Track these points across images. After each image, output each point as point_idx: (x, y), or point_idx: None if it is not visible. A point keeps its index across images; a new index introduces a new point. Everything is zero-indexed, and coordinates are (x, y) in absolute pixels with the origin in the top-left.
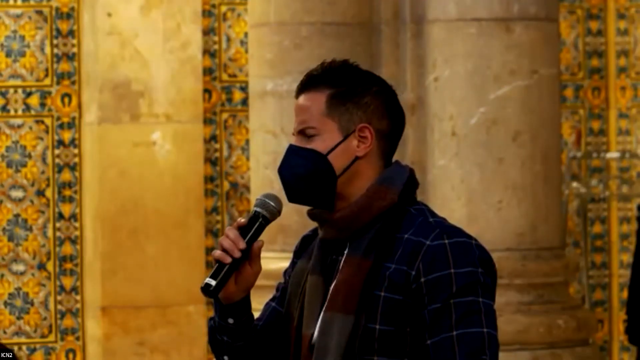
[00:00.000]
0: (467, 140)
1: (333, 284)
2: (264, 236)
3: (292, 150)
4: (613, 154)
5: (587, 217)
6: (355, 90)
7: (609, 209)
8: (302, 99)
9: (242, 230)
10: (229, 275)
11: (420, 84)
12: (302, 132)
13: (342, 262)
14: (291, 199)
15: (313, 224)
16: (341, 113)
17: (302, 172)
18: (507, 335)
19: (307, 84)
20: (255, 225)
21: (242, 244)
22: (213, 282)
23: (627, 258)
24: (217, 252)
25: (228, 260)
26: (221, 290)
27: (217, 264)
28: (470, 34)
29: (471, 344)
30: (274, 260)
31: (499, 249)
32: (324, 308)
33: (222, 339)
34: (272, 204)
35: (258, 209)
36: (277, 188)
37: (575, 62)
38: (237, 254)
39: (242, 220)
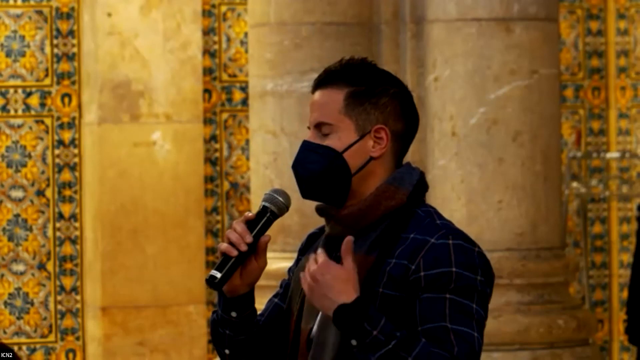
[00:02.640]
0: (467, 140)
1: None
2: None
3: (307, 146)
4: (613, 154)
5: (587, 217)
6: (373, 90)
7: (609, 209)
8: (319, 94)
9: (250, 224)
10: (234, 269)
11: (420, 84)
12: (317, 128)
13: None
14: (305, 195)
15: (314, 224)
16: (359, 112)
17: (317, 168)
18: (507, 335)
19: (325, 80)
20: (262, 219)
21: (249, 238)
22: (218, 275)
23: (627, 258)
24: (224, 245)
25: (234, 253)
26: (226, 283)
27: (222, 257)
28: (470, 34)
29: (468, 341)
30: (275, 260)
31: (499, 249)
32: None
33: (225, 332)
34: (280, 199)
35: (266, 204)
36: (277, 188)
37: (575, 62)
38: (244, 248)
39: (249, 214)
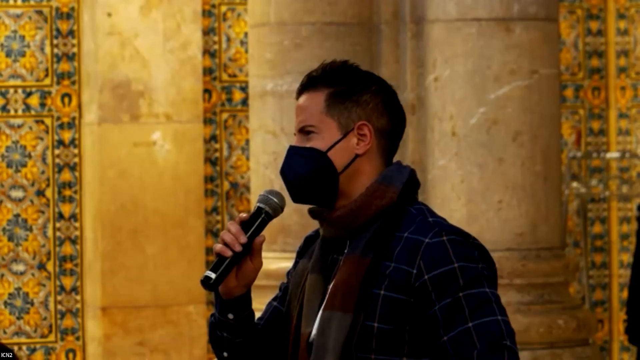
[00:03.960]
0: (467, 140)
1: (332, 283)
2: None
3: (292, 150)
4: (613, 154)
5: (587, 217)
6: (354, 89)
7: (609, 209)
8: (302, 99)
9: (244, 225)
10: (229, 269)
11: (420, 84)
12: (302, 132)
13: (341, 261)
14: (295, 199)
15: (314, 224)
16: (340, 111)
17: (304, 171)
18: None
19: (307, 85)
20: (257, 220)
21: (244, 239)
22: (213, 275)
23: (627, 258)
24: (218, 246)
25: (229, 253)
26: (221, 284)
27: (217, 258)
28: (470, 34)
29: (490, 332)
30: (274, 260)
31: (499, 249)
32: (322, 307)
33: (222, 334)
34: (274, 199)
35: (260, 205)
36: (277, 188)
37: (575, 62)
38: (238, 248)
39: (244, 215)
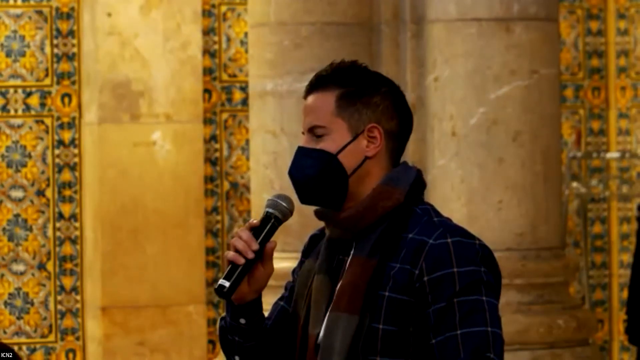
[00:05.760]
0: (467, 140)
1: (339, 284)
2: None
3: (301, 151)
4: (613, 154)
5: (587, 217)
6: (364, 90)
7: (609, 209)
8: (311, 99)
9: (255, 231)
10: (242, 277)
11: (420, 84)
12: (311, 132)
13: (348, 262)
14: (303, 201)
15: (314, 224)
16: (350, 113)
17: (313, 172)
18: (507, 335)
19: (316, 84)
20: (267, 226)
21: (255, 245)
22: (227, 284)
23: (627, 258)
24: (231, 254)
25: (241, 261)
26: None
27: (230, 265)
28: (470, 34)
29: (476, 342)
30: (274, 260)
31: (499, 249)
32: (329, 308)
33: (234, 339)
34: (283, 204)
35: (270, 210)
36: (277, 188)
37: (575, 62)
38: (251, 255)
39: (254, 221)
